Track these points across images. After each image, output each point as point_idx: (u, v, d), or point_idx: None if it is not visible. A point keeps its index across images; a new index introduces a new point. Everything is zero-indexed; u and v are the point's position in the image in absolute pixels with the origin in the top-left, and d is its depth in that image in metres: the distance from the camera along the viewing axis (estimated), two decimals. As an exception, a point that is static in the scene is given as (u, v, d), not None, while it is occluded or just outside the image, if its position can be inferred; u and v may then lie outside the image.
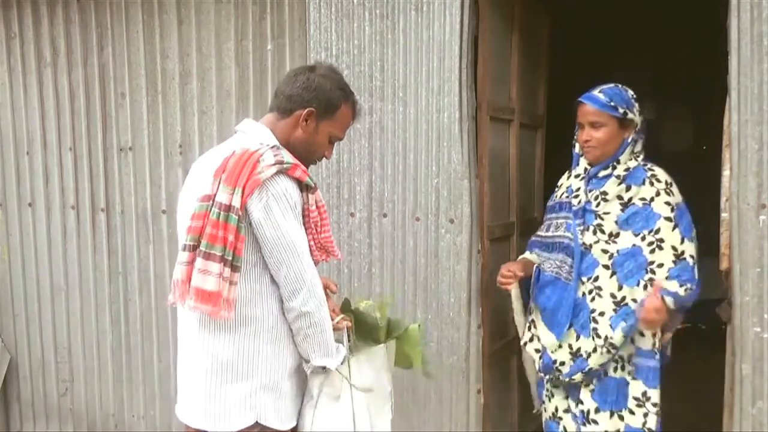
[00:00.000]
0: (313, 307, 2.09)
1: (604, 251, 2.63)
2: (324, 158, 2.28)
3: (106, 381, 3.78)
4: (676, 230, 2.59)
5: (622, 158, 2.66)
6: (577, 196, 2.73)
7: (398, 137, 3.11)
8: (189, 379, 2.22)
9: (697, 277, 2.63)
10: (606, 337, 2.61)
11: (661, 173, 2.68)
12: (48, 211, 3.79)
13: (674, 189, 2.66)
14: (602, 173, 2.68)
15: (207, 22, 3.42)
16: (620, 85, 2.71)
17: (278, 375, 2.15)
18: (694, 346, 5.75)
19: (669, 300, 2.56)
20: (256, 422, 2.12)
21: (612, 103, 2.64)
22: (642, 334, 2.65)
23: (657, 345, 2.68)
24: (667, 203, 2.61)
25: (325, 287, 2.42)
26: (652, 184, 2.64)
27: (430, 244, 3.09)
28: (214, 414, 2.13)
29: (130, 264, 3.67)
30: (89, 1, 3.62)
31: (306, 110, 2.15)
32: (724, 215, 2.72)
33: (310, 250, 2.15)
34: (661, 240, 2.59)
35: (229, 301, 2.02)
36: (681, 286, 2.58)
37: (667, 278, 2.59)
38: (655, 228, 2.59)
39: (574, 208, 2.71)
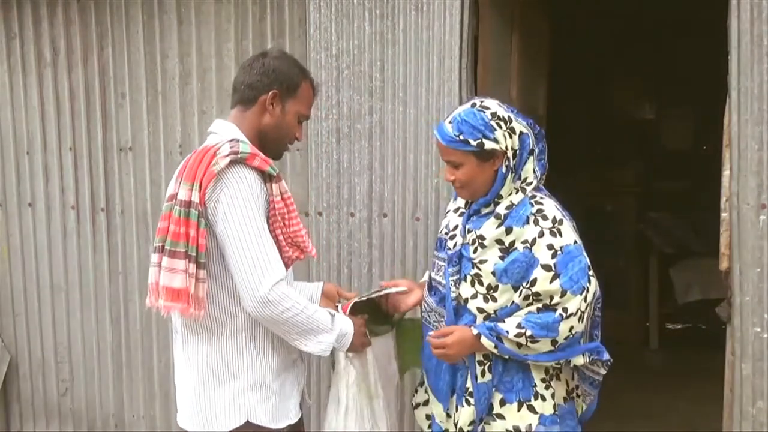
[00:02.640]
0: (279, 292, 2.01)
1: (481, 310, 2.19)
2: (296, 140, 2.26)
3: (106, 381, 3.78)
4: (556, 281, 2.10)
5: (503, 192, 2.18)
6: (453, 237, 2.27)
7: (398, 137, 3.11)
8: (181, 387, 2.24)
9: (564, 335, 2.12)
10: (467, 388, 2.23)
11: (550, 209, 2.18)
12: (48, 211, 3.79)
13: (565, 228, 2.15)
14: (485, 210, 2.22)
15: (207, 22, 3.42)
16: (479, 104, 2.18)
17: (264, 372, 2.14)
18: (694, 346, 5.78)
19: (487, 342, 2.14)
20: (247, 421, 2.12)
21: (461, 137, 2.13)
22: (543, 398, 2.20)
23: (557, 405, 2.24)
24: (550, 246, 2.11)
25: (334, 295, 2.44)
26: (536, 222, 2.14)
27: (430, 244, 3.08)
28: (205, 417, 2.13)
29: (130, 264, 3.67)
30: (89, 1, 3.62)
31: (270, 93, 2.14)
32: (724, 215, 2.72)
33: (281, 246, 2.09)
34: (537, 294, 2.12)
35: (198, 298, 2.01)
36: (519, 328, 2.12)
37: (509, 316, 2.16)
38: (531, 278, 2.11)
39: (449, 252, 2.26)
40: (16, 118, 3.80)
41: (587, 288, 2.14)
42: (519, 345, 2.14)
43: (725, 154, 2.71)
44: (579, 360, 2.20)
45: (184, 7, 3.45)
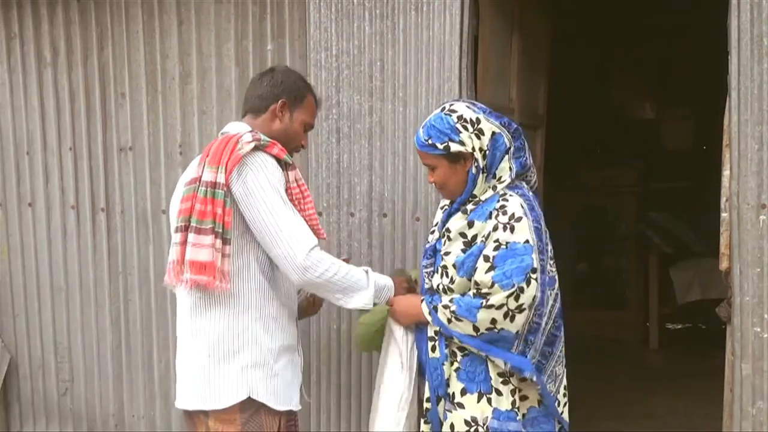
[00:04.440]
0: (315, 258, 2.16)
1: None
2: (302, 147, 2.45)
3: (106, 381, 3.77)
4: (490, 273, 2.16)
5: (477, 192, 2.26)
6: (433, 232, 2.40)
7: (398, 137, 3.11)
8: (184, 365, 2.31)
9: (485, 325, 2.16)
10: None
11: (513, 205, 2.21)
12: (48, 211, 3.79)
13: (520, 226, 2.18)
14: (462, 208, 2.30)
15: (207, 23, 3.42)
16: (447, 108, 2.28)
17: (268, 353, 2.23)
18: (694, 346, 5.78)
19: (425, 308, 2.28)
20: (249, 397, 2.20)
21: (430, 141, 2.24)
22: (499, 393, 2.22)
23: (518, 403, 2.26)
24: (497, 240, 2.17)
25: None
26: (496, 217, 2.20)
27: (430, 244, 3.09)
28: (209, 393, 2.21)
29: (130, 264, 3.66)
30: (89, 1, 3.61)
31: (279, 102, 2.33)
32: (724, 215, 2.72)
33: None
34: (476, 283, 2.19)
35: (223, 271, 2.13)
36: (449, 302, 2.23)
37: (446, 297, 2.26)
38: (473, 267, 2.20)
39: (426, 246, 2.41)
40: (16, 118, 3.80)
41: (521, 288, 2.15)
42: (448, 319, 2.23)
43: (725, 154, 2.72)
44: (500, 363, 2.23)
45: (184, 7, 3.45)
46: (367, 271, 2.32)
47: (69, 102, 3.69)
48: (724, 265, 2.73)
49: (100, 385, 3.79)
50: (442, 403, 2.29)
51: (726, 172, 2.71)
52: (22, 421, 3.97)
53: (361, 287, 2.26)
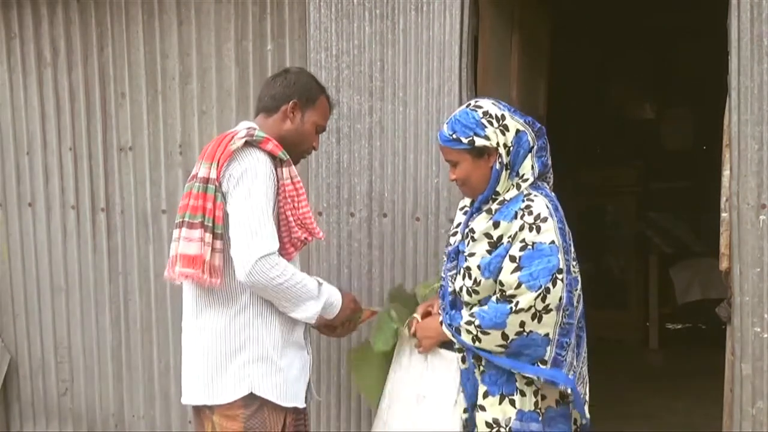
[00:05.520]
0: (266, 264, 2.11)
1: (467, 303, 2.25)
2: (313, 150, 2.44)
3: (106, 381, 3.77)
4: (516, 273, 2.13)
5: (500, 189, 2.23)
6: (455, 234, 2.36)
7: (398, 137, 3.11)
8: (190, 362, 2.31)
9: (515, 330, 2.12)
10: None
11: (538, 205, 2.19)
12: (48, 211, 3.79)
13: (546, 226, 2.15)
14: (485, 207, 2.27)
15: (207, 22, 3.42)
16: (473, 104, 2.27)
17: (269, 347, 2.23)
18: (694, 346, 5.79)
19: (447, 331, 2.26)
20: (251, 393, 2.21)
21: (454, 136, 2.21)
22: (523, 394, 2.20)
23: (540, 404, 2.23)
24: (523, 240, 2.15)
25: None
26: (522, 217, 2.17)
27: (430, 244, 3.09)
28: (213, 388, 2.22)
29: (130, 264, 3.66)
30: (89, 1, 3.61)
31: (291, 102, 2.33)
32: (724, 215, 2.72)
33: (290, 227, 2.24)
34: (501, 284, 2.16)
35: (213, 266, 2.15)
36: (470, 317, 2.19)
37: (469, 309, 2.22)
38: (499, 268, 2.17)
39: (448, 249, 2.37)
40: (16, 118, 3.80)
41: (548, 289, 2.12)
42: (473, 337, 2.19)
43: (725, 154, 2.72)
44: (532, 377, 2.19)
45: (184, 7, 3.45)
46: (321, 284, 2.29)
47: (69, 102, 3.69)
48: (724, 265, 2.73)
49: (100, 385, 3.79)
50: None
51: (726, 172, 2.71)
52: (22, 421, 3.97)
53: (310, 299, 2.22)
